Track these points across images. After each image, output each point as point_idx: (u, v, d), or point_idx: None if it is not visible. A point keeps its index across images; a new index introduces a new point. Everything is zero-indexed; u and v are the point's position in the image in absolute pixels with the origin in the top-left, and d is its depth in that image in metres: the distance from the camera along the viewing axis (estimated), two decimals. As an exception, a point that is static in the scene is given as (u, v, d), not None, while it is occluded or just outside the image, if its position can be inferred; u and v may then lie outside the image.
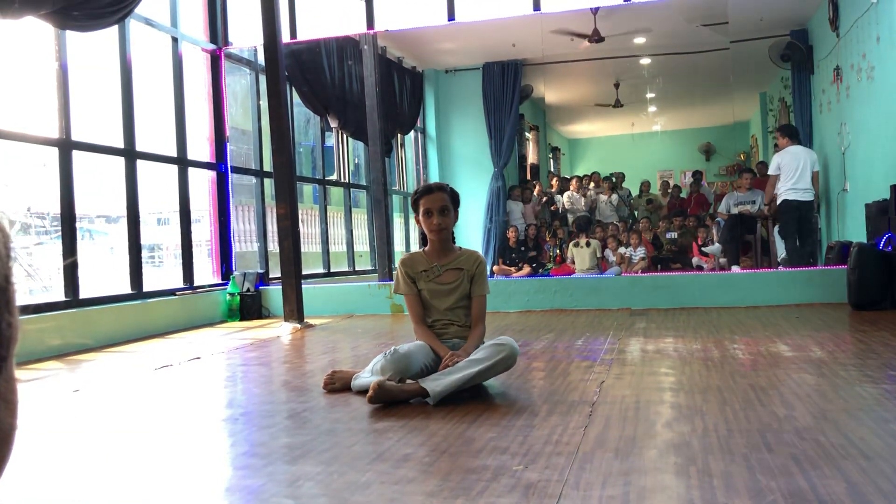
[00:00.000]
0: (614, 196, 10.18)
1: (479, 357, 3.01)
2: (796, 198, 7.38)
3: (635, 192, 10.60)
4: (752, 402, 2.79)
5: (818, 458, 2.07)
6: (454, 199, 3.31)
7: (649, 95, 11.13)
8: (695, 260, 8.66)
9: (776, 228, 8.07)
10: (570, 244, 9.00)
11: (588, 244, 8.82)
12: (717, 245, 8.52)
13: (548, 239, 9.79)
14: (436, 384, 2.93)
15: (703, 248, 8.63)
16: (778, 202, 7.49)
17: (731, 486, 1.87)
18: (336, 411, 2.99)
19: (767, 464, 2.04)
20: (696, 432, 2.41)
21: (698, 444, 2.28)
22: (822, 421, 2.48)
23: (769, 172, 7.62)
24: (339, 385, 3.37)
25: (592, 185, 10.46)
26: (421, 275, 3.33)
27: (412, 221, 10.75)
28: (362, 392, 3.22)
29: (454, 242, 3.40)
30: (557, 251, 9.52)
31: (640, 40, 9.84)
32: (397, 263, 3.41)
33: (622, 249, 8.82)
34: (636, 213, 10.38)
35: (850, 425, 2.42)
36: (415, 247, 8.75)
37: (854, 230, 7.23)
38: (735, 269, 7.68)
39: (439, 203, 3.23)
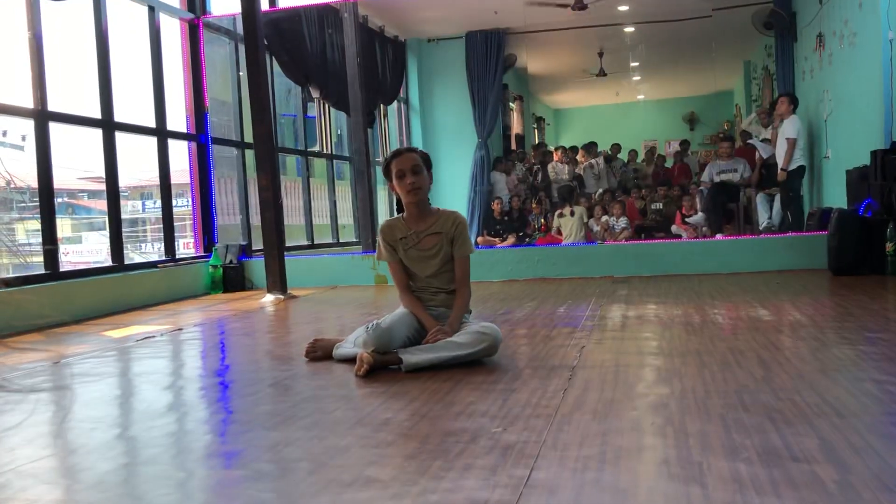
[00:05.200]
0: (598, 160, 10.11)
1: (461, 342, 2.99)
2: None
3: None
4: (731, 365, 2.82)
5: (793, 417, 2.09)
6: (426, 160, 3.22)
7: (633, 64, 11.06)
8: (674, 228, 8.70)
9: (759, 196, 8.09)
10: (556, 214, 9.01)
11: (572, 213, 8.83)
12: (700, 215, 8.55)
13: (534, 207, 9.75)
14: (412, 356, 2.95)
15: (686, 220, 8.65)
16: (797, 167, 7.57)
17: (707, 445, 1.89)
18: (318, 378, 3.00)
19: (743, 423, 2.06)
20: (674, 394, 2.43)
21: (676, 405, 2.30)
22: (798, 381, 2.51)
23: (789, 136, 7.52)
24: (321, 353, 3.37)
25: (580, 155, 10.39)
26: (399, 242, 3.25)
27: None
28: (344, 361, 3.23)
29: (430, 205, 3.30)
30: (542, 220, 9.51)
31: (623, 8, 9.77)
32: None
33: (605, 218, 8.83)
34: (627, 182, 10.35)
35: (826, 385, 2.45)
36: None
37: (835, 196, 7.26)
38: (719, 237, 7.72)
39: (410, 162, 3.15)
